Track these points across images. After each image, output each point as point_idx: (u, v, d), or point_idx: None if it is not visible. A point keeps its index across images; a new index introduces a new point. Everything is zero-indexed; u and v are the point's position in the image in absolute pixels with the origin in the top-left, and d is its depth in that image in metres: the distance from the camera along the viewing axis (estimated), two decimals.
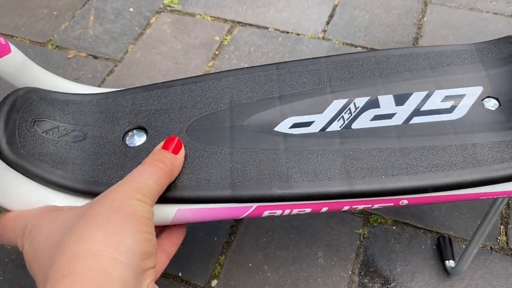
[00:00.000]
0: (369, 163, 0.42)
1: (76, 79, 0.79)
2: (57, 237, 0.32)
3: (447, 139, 0.43)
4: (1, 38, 0.43)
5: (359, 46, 0.81)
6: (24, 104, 0.44)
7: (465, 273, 0.55)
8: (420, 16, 0.86)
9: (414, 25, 0.84)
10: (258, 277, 0.57)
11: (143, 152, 0.45)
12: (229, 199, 0.42)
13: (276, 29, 0.85)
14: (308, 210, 0.43)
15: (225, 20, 0.87)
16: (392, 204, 0.43)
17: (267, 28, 0.85)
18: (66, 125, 0.46)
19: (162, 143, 0.42)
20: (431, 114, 0.45)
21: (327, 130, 0.45)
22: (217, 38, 0.84)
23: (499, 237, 0.58)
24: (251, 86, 0.49)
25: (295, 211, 0.43)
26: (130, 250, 0.31)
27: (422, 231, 0.60)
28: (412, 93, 0.46)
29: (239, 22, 0.86)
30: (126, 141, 0.46)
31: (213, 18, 0.87)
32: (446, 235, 0.57)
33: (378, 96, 0.47)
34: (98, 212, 0.33)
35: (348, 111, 0.46)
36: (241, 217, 0.44)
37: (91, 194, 0.42)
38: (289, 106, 0.47)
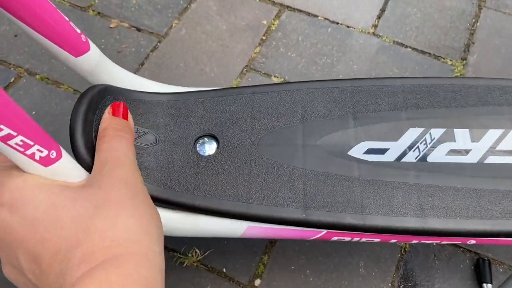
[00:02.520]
0: (445, 202, 0.42)
1: (119, 52, 0.76)
2: (69, 215, 0.31)
3: None
4: (82, 36, 0.42)
5: (410, 47, 0.79)
6: (99, 104, 0.43)
7: None
8: (473, 20, 0.83)
9: (467, 30, 0.82)
10: (300, 281, 0.58)
11: (215, 163, 0.45)
12: (301, 223, 0.42)
13: (325, 18, 0.82)
14: (377, 240, 0.44)
15: (273, 3, 0.84)
16: (460, 242, 0.44)
17: (316, 16, 0.82)
18: (139, 127, 0.45)
19: (109, 109, 0.41)
20: (506, 155, 0.45)
21: (402, 160, 0.45)
22: (264, 22, 0.82)
23: None
24: (324, 102, 0.48)
25: (364, 239, 0.44)
26: (158, 237, 0.32)
27: (461, 250, 0.61)
28: (488, 130, 0.46)
29: (287, 7, 0.83)
30: (197, 148, 0.46)
31: (261, 0, 0.84)
32: (486, 258, 0.59)
33: (454, 129, 0.46)
34: (121, 197, 0.32)
35: (424, 142, 0.46)
36: (309, 239, 0.44)
37: (163, 201, 0.43)
38: (363, 129, 0.46)
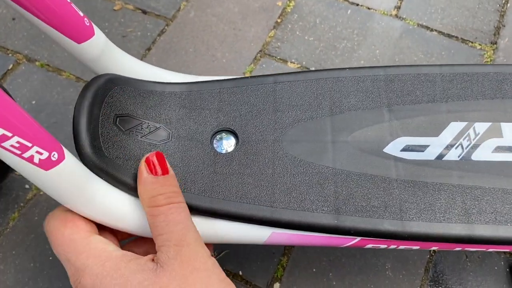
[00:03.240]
0: (493, 206, 0.38)
1: (124, 36, 0.71)
2: None
3: None
4: (85, 19, 0.37)
5: (435, 30, 0.74)
6: (105, 97, 0.38)
7: None
8: (503, 1, 0.77)
9: (496, 11, 0.76)
10: (322, 285, 0.54)
11: (234, 161, 0.40)
12: (333, 230, 0.38)
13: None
14: (416, 247, 0.40)
15: None
16: (508, 250, 0.39)
17: None
18: (150, 122, 0.40)
19: (145, 167, 0.36)
20: None
21: (444, 158, 0.40)
22: (279, 3, 0.76)
23: None
24: (354, 92, 0.43)
25: (402, 247, 0.40)
26: None
27: (495, 251, 0.57)
28: None
29: None
30: (214, 145, 0.41)
31: None
32: None
33: (501, 123, 0.41)
34: (196, 284, 0.32)
35: (467, 138, 0.41)
36: (341, 246, 0.40)
37: None
38: (399, 122, 0.42)
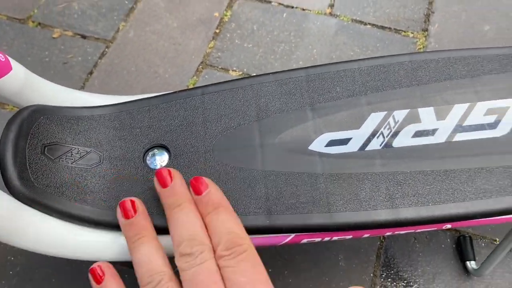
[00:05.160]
0: (415, 189, 0.40)
1: (65, 63, 0.72)
2: None
3: (493, 160, 0.41)
4: (0, 55, 0.37)
5: (369, 23, 0.77)
6: (31, 128, 0.39)
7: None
8: None
9: None
10: (278, 283, 0.56)
11: None
12: (266, 230, 0.39)
13: (279, 3, 0.79)
14: (349, 236, 0.41)
15: None
16: (436, 228, 0.41)
17: (269, 2, 0.79)
18: (79, 147, 0.41)
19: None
20: (474, 130, 0.42)
21: (367, 149, 0.42)
22: (216, 14, 0.78)
23: None
24: (279, 95, 0.45)
25: (335, 238, 0.41)
26: None
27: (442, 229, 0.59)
28: (453, 106, 0.44)
29: None
30: (147, 162, 0.42)
31: None
32: (466, 235, 0.57)
33: (418, 109, 0.43)
34: None
35: (388, 126, 0.43)
36: (277, 245, 0.42)
37: (113, 226, 0.39)
38: (322, 120, 0.43)
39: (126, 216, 0.36)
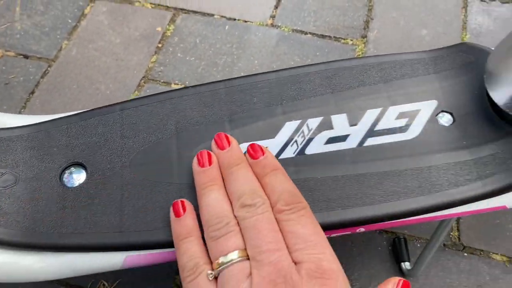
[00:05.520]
0: (325, 194, 0.40)
1: (7, 84, 0.72)
2: None
3: (403, 162, 0.42)
4: None
5: (309, 33, 0.78)
6: None
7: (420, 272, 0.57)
8: None
9: (365, 6, 0.81)
10: None
11: (83, 193, 0.41)
12: None
13: (222, 16, 0.80)
14: None
15: (167, 8, 0.81)
16: (350, 232, 0.42)
17: (212, 15, 0.80)
18: None
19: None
20: (385, 134, 0.43)
21: (281, 157, 0.43)
22: (159, 29, 0.78)
23: (451, 233, 0.59)
24: (198, 108, 0.45)
25: None
26: None
27: (377, 232, 0.60)
28: (366, 111, 0.45)
29: (182, 9, 0.80)
30: (64, 181, 0.42)
31: (153, 6, 0.81)
32: (401, 236, 0.58)
33: (331, 116, 0.44)
34: None
35: (301, 134, 0.44)
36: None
37: (28, 246, 0.39)
38: (240, 131, 0.44)
39: (202, 165, 0.39)
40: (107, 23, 0.79)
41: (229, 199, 0.37)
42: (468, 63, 0.45)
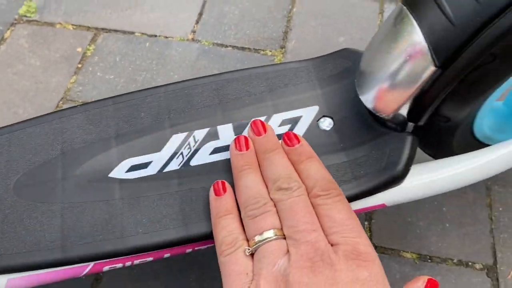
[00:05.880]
0: (205, 202, 0.41)
1: None
2: None
3: None
4: None
5: (230, 46, 0.79)
6: None
7: None
8: (290, 6, 0.85)
9: (284, 17, 0.83)
10: None
11: None
12: (62, 262, 0.39)
13: (143, 33, 0.80)
14: (150, 259, 0.42)
15: (88, 28, 0.81)
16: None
17: (133, 33, 0.80)
18: None
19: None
20: None
21: (166, 170, 0.43)
22: (79, 49, 0.78)
23: None
24: (83, 127, 0.45)
25: (136, 261, 0.42)
26: None
27: None
28: (251, 120, 0.46)
29: (103, 29, 0.81)
30: None
31: (75, 27, 0.81)
32: None
33: (218, 127, 0.45)
34: None
35: (188, 146, 0.44)
36: (80, 276, 0.42)
37: None
38: (125, 146, 0.44)
39: (240, 149, 0.40)
40: (28, 46, 0.79)
41: (265, 183, 0.38)
42: (346, 68, 0.47)
